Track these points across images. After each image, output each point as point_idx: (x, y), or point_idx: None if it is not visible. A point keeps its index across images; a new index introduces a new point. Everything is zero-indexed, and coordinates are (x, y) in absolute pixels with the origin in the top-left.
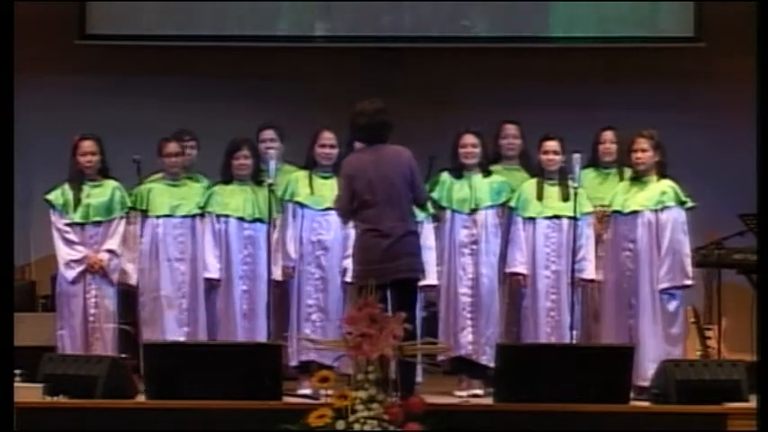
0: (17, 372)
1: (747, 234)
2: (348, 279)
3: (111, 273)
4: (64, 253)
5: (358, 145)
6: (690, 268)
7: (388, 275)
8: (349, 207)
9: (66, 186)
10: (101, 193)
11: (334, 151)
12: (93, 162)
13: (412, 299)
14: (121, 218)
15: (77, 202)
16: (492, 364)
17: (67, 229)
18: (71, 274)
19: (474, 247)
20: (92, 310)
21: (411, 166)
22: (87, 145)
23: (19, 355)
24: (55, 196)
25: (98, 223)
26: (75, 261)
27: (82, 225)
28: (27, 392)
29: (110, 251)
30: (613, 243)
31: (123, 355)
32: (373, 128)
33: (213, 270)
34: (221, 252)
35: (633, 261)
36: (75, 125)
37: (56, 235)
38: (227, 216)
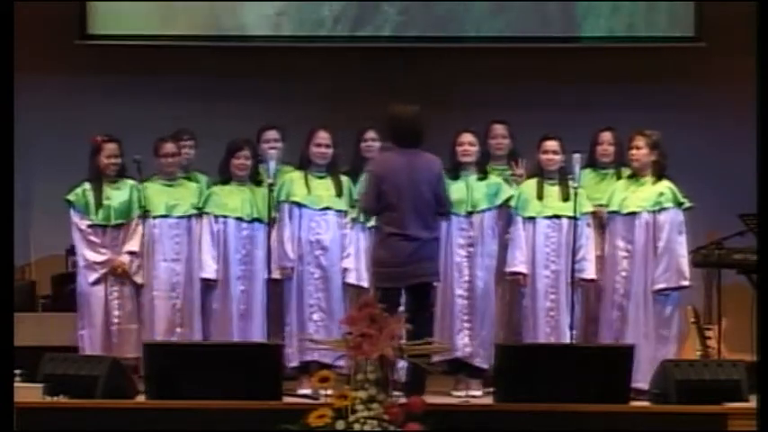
0: (17, 372)
1: (747, 234)
2: (348, 279)
3: (133, 274)
4: (87, 255)
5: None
6: (686, 269)
7: (409, 279)
8: (374, 205)
9: (87, 187)
10: (120, 194)
11: (329, 151)
12: (117, 164)
13: (429, 301)
14: (139, 218)
15: (99, 203)
16: (486, 366)
17: (90, 230)
18: (93, 276)
19: (470, 249)
20: (115, 312)
21: (440, 176)
22: (112, 147)
23: (19, 355)
24: (76, 197)
25: (118, 225)
26: (98, 263)
27: (103, 227)
28: (27, 392)
29: (131, 253)
30: (610, 243)
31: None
32: (411, 133)
33: (210, 271)
34: (219, 252)
35: (630, 262)
36: (75, 125)
37: (78, 236)
38: (225, 216)
